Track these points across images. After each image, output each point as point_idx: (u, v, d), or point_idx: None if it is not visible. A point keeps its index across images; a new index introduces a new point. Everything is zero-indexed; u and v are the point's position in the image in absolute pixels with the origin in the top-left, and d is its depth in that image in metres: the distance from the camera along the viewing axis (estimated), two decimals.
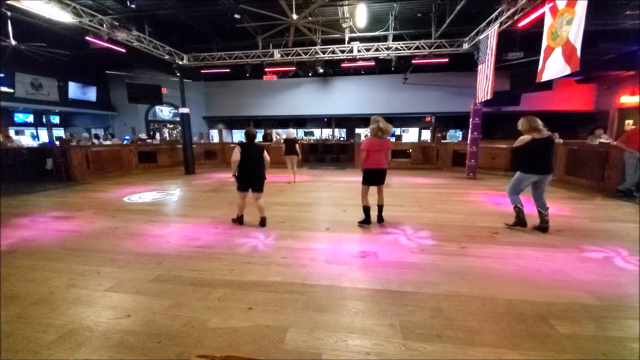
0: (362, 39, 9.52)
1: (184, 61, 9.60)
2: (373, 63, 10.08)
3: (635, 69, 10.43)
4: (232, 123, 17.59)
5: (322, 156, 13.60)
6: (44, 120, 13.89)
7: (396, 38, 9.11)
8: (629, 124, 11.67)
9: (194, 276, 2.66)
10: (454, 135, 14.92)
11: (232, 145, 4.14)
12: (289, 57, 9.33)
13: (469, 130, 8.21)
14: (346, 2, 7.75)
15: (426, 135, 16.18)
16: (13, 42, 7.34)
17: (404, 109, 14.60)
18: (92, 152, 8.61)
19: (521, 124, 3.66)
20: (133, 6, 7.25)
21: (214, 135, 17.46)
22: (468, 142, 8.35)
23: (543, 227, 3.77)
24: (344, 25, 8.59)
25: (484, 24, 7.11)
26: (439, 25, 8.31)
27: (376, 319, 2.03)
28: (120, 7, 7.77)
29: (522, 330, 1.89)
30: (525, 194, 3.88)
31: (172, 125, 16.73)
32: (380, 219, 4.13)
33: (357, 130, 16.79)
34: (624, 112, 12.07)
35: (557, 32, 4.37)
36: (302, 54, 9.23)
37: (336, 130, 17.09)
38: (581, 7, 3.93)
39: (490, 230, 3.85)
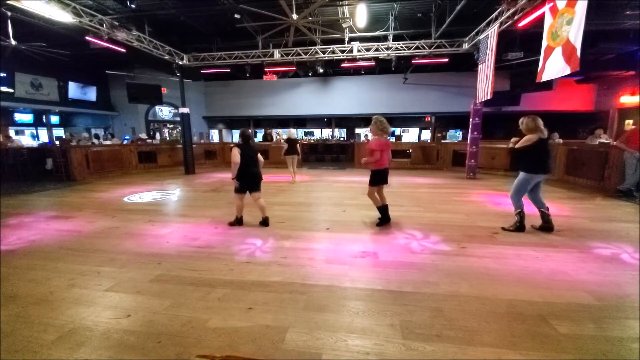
0: (362, 39, 9.52)
1: (184, 61, 9.60)
2: (373, 63, 10.08)
3: (635, 69, 10.43)
4: (232, 123, 17.59)
5: (322, 156, 13.60)
6: (44, 120, 13.88)
7: (396, 38, 9.10)
8: (629, 124, 11.67)
9: (194, 276, 2.66)
10: (454, 135, 14.91)
11: (231, 145, 4.14)
12: (289, 57, 9.33)
13: (469, 130, 8.21)
14: (346, 2, 7.74)
15: (426, 135, 16.18)
16: (13, 42, 7.33)
17: (404, 109, 14.61)
18: (92, 152, 8.61)
19: (526, 123, 3.58)
20: (133, 6, 7.25)
21: (214, 135, 17.46)
22: (468, 142, 8.35)
23: (548, 227, 3.73)
24: (344, 25, 8.59)
25: (484, 24, 7.11)
26: (439, 25, 8.31)
27: (376, 318, 2.03)
28: (120, 7, 7.77)
29: (522, 330, 1.89)
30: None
31: (172, 125, 16.73)
32: (388, 219, 4.14)
33: (357, 130, 16.79)
34: (624, 112, 12.07)
35: (557, 32, 4.37)
36: (302, 53, 9.22)
37: (336, 130, 17.09)
38: (581, 7, 3.93)
39: (490, 230, 3.85)
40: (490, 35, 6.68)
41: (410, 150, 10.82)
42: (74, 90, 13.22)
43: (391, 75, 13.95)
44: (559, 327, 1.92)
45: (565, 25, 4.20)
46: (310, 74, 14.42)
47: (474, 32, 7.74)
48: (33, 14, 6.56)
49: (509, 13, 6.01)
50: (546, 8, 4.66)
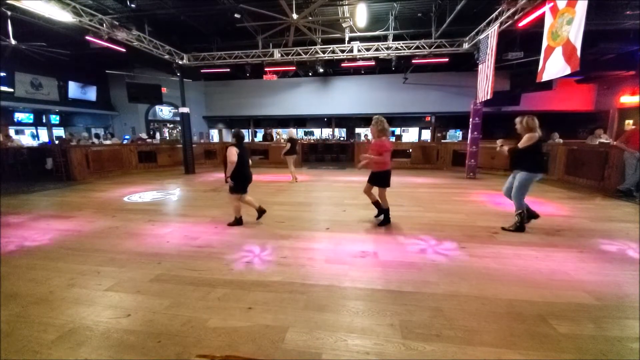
0: (362, 39, 9.51)
1: (184, 61, 9.60)
2: (373, 63, 10.07)
3: (635, 69, 10.42)
4: (232, 123, 17.58)
5: (322, 156, 13.60)
6: (43, 119, 13.88)
7: (396, 38, 9.10)
8: (629, 124, 11.67)
9: (194, 276, 2.66)
10: (454, 135, 14.88)
11: (227, 144, 4.11)
12: (289, 56, 9.33)
13: (469, 130, 8.21)
14: (346, 2, 7.74)
15: (426, 135, 16.17)
16: (13, 42, 7.33)
17: (404, 109, 14.60)
18: (92, 151, 8.61)
19: (527, 121, 3.58)
20: (133, 6, 7.25)
21: (214, 135, 17.46)
22: (468, 142, 8.36)
23: (521, 226, 3.78)
24: (344, 25, 8.58)
25: (484, 23, 7.10)
26: (439, 25, 8.31)
27: (376, 318, 2.03)
28: (120, 6, 7.76)
29: (522, 330, 1.90)
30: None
31: (172, 125, 16.73)
32: (388, 220, 4.15)
33: (357, 130, 16.78)
34: (624, 112, 12.06)
35: (558, 32, 4.37)
36: (302, 53, 9.22)
37: (336, 130, 17.08)
38: (581, 7, 3.92)
39: (490, 230, 3.85)
40: (490, 35, 6.68)
41: (410, 150, 10.83)
42: (74, 89, 13.21)
43: (391, 75, 13.94)
44: (559, 326, 1.93)
45: (565, 25, 4.20)
46: (310, 74, 14.41)
47: (474, 32, 7.74)
48: (33, 14, 6.56)
49: (509, 13, 6.01)
50: (546, 8, 4.65)
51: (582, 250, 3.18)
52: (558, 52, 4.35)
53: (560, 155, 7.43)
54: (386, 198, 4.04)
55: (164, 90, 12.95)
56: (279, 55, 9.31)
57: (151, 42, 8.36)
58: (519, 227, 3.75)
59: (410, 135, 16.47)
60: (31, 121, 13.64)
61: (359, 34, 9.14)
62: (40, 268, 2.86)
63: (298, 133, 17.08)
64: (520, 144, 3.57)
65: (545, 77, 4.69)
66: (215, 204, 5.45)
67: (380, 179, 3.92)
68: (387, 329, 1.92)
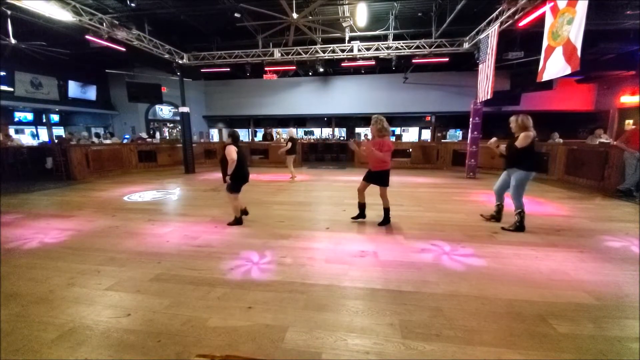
0: (363, 38, 9.50)
1: (184, 60, 9.59)
2: (373, 62, 10.06)
3: (635, 69, 10.41)
4: (232, 122, 17.59)
5: (322, 155, 13.60)
6: (43, 119, 13.87)
7: (396, 37, 9.09)
8: (629, 123, 11.66)
9: (194, 275, 2.66)
10: (454, 135, 14.88)
11: (225, 143, 4.11)
12: (289, 56, 9.32)
13: (469, 130, 8.21)
14: (346, 1, 7.73)
15: (426, 134, 16.17)
16: (13, 41, 7.32)
17: (404, 109, 14.59)
18: (92, 151, 8.61)
19: (523, 120, 3.62)
20: (133, 5, 7.24)
21: (214, 134, 17.45)
22: (468, 141, 8.35)
23: (498, 217, 4.05)
24: (344, 25, 8.58)
25: (485, 23, 7.10)
26: (440, 24, 8.30)
27: (376, 318, 2.04)
28: (120, 5, 7.75)
29: (521, 330, 1.90)
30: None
31: (172, 125, 16.72)
32: (362, 216, 4.20)
33: (357, 130, 16.77)
34: (624, 112, 12.06)
35: (558, 32, 4.36)
36: (302, 53, 9.22)
37: (336, 129, 17.07)
38: (582, 7, 3.92)
39: (490, 229, 3.85)
40: (490, 35, 6.67)
41: (410, 150, 10.83)
42: (73, 89, 13.20)
43: (391, 75, 13.94)
44: (558, 326, 1.93)
45: (565, 25, 4.19)
46: (310, 73, 14.41)
47: (474, 32, 7.73)
48: (33, 13, 6.54)
49: (509, 12, 6.01)
50: (547, 8, 4.65)
51: (582, 250, 3.18)
52: (558, 51, 4.35)
53: (560, 155, 7.43)
54: (387, 197, 4.04)
55: (164, 89, 12.96)
56: (279, 54, 9.30)
57: (151, 42, 8.35)
58: (519, 227, 3.75)
59: (410, 135, 16.46)
60: (31, 120, 13.64)
61: (359, 33, 9.13)
62: (40, 267, 2.86)
63: (298, 133, 17.08)
64: (518, 144, 3.59)
65: (546, 76, 4.69)
66: (215, 203, 5.45)
67: (381, 178, 3.91)
68: (386, 328, 1.92)
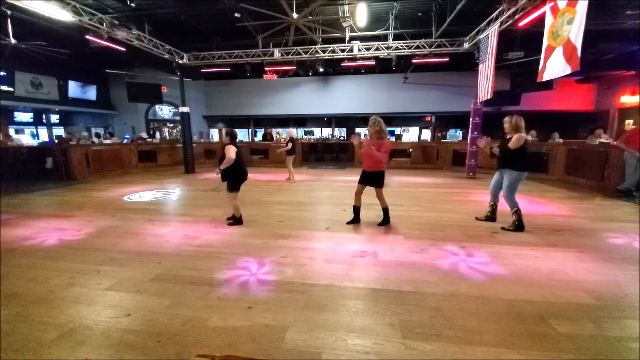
0: (363, 38, 9.50)
1: (184, 60, 9.59)
2: (373, 62, 10.06)
3: (635, 69, 10.41)
4: (232, 122, 17.59)
5: (322, 155, 13.60)
6: (43, 119, 13.87)
7: (396, 37, 9.09)
8: (629, 123, 11.66)
9: (194, 275, 2.66)
10: (454, 135, 14.88)
11: (225, 142, 4.13)
12: (289, 56, 9.32)
13: (469, 130, 8.21)
14: (346, 1, 7.73)
15: (426, 134, 16.17)
16: (13, 41, 7.32)
17: (404, 109, 14.59)
18: (92, 151, 8.61)
19: (516, 121, 3.67)
20: (133, 5, 7.24)
21: (214, 134, 17.45)
22: (468, 141, 8.35)
23: (493, 217, 4.11)
24: (344, 25, 8.58)
25: (485, 23, 7.10)
26: (440, 24, 8.30)
27: (376, 318, 2.04)
28: (120, 5, 7.75)
29: (521, 330, 1.90)
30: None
31: (172, 124, 16.72)
32: (358, 220, 4.17)
33: (357, 130, 16.76)
34: (624, 112, 12.06)
35: (558, 32, 4.36)
36: (302, 53, 9.21)
37: (336, 129, 17.07)
38: (582, 7, 3.92)
39: (490, 229, 3.85)
40: (490, 35, 6.67)
41: (410, 150, 10.82)
42: (73, 89, 13.20)
43: (391, 75, 13.93)
44: (558, 326, 1.93)
45: (566, 25, 4.19)
46: (310, 73, 14.41)
47: (474, 32, 7.73)
48: (33, 13, 6.54)
49: (509, 12, 6.01)
50: (547, 7, 4.65)
51: (582, 250, 3.18)
52: (558, 51, 4.34)
53: (560, 155, 7.43)
54: (384, 197, 4.03)
55: (163, 89, 12.95)
56: (279, 54, 9.30)
57: (151, 42, 8.35)
58: (518, 226, 3.77)
59: (410, 135, 16.45)
60: (31, 120, 13.64)
61: (359, 33, 9.13)
62: (40, 267, 2.86)
63: (298, 133, 17.08)
64: (511, 145, 3.63)
65: (546, 76, 4.69)
66: (215, 203, 5.45)
67: (376, 179, 3.90)
68: (386, 328, 1.92)
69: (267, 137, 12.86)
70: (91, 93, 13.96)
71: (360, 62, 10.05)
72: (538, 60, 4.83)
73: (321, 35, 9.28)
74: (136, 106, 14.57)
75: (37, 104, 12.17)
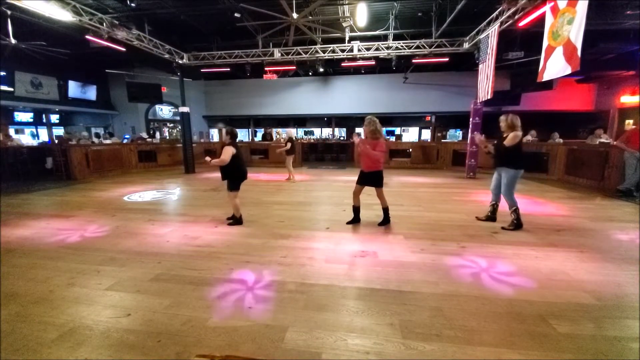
0: (363, 38, 9.50)
1: (184, 60, 9.59)
2: (373, 62, 10.06)
3: (635, 69, 10.41)
4: (232, 122, 17.58)
5: (322, 155, 13.60)
6: (43, 119, 13.87)
7: (396, 37, 9.09)
8: (629, 123, 11.66)
9: (194, 275, 2.66)
10: (454, 135, 14.89)
11: (225, 142, 4.13)
12: (289, 56, 9.32)
13: (469, 130, 8.21)
14: (346, 1, 7.73)
15: (426, 134, 16.17)
16: (13, 41, 7.32)
17: (404, 109, 14.59)
18: (92, 151, 8.61)
19: (512, 120, 3.70)
20: (133, 5, 7.24)
21: (214, 134, 17.45)
22: (468, 141, 8.35)
23: (493, 217, 4.11)
24: (344, 25, 8.58)
25: (485, 23, 7.10)
26: (440, 24, 8.30)
27: (376, 318, 2.03)
28: (120, 5, 7.75)
29: (521, 330, 1.90)
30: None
31: (172, 124, 16.72)
32: (359, 220, 4.17)
33: (357, 130, 16.74)
34: (624, 112, 12.06)
35: (558, 32, 4.36)
36: (302, 53, 9.21)
37: (336, 129, 17.07)
38: (582, 7, 3.92)
39: (490, 229, 3.85)
40: (490, 35, 6.67)
41: (410, 150, 10.82)
42: (73, 89, 13.20)
43: (391, 75, 13.93)
44: (558, 326, 1.93)
45: (566, 25, 4.19)
46: (310, 73, 14.42)
47: (474, 32, 7.73)
48: (33, 13, 6.54)
49: (509, 12, 6.01)
50: (547, 7, 4.65)
51: (582, 250, 3.18)
52: (559, 51, 4.34)
53: (560, 155, 7.43)
54: (384, 197, 4.03)
55: (164, 89, 12.96)
56: (279, 54, 9.30)
57: (151, 42, 8.35)
58: (517, 224, 3.79)
59: (410, 135, 16.45)
60: (31, 120, 13.64)
61: (359, 33, 9.13)
62: (40, 267, 2.86)
63: (298, 133, 17.12)
64: (507, 143, 3.65)
65: (546, 76, 4.69)
66: (215, 203, 5.45)
67: (374, 179, 3.90)
68: (386, 328, 1.92)
69: (267, 137, 12.86)
70: (91, 93, 13.96)
71: (360, 62, 10.05)
72: (538, 60, 4.83)
73: (321, 35, 9.28)
74: (136, 106, 14.57)
75: (37, 104, 12.17)
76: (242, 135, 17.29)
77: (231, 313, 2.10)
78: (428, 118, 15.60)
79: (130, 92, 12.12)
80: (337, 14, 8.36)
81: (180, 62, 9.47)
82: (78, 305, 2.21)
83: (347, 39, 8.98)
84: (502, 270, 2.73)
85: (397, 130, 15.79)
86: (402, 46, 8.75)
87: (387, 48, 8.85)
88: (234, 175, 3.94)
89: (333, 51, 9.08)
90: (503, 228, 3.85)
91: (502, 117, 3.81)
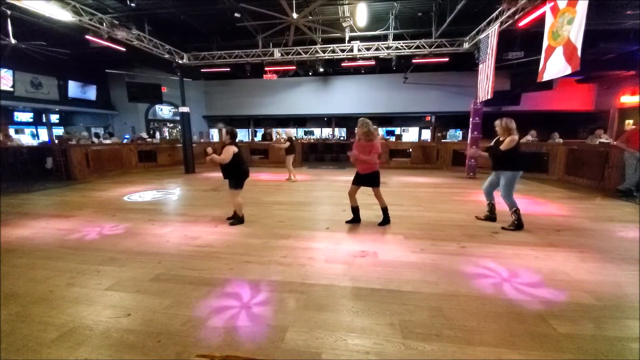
0: (363, 38, 9.50)
1: (184, 60, 9.59)
2: (373, 62, 10.06)
3: (635, 69, 10.41)
4: (232, 122, 17.57)
5: (322, 155, 13.60)
6: (43, 119, 13.87)
7: (396, 37, 9.09)
8: (629, 123, 11.66)
9: (194, 275, 2.66)
10: (454, 135, 14.90)
11: (226, 142, 4.16)
12: (289, 56, 9.32)
13: (469, 130, 8.21)
14: (346, 1, 7.73)
15: (426, 134, 16.17)
16: (13, 41, 7.32)
17: (404, 109, 14.59)
18: (92, 151, 8.61)
19: (507, 123, 3.75)
20: (133, 5, 7.23)
21: (214, 134, 17.45)
22: (468, 141, 8.35)
23: (493, 217, 4.14)
24: (344, 25, 8.58)
25: (485, 23, 7.10)
26: (440, 24, 8.30)
27: (376, 318, 2.03)
28: (120, 5, 7.75)
29: (521, 330, 1.90)
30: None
31: (172, 124, 16.72)
32: (359, 220, 4.17)
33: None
34: (624, 112, 12.06)
35: (558, 32, 4.36)
36: (302, 53, 9.21)
37: (336, 129, 17.08)
38: (582, 7, 3.92)
39: (490, 229, 3.85)
40: (490, 35, 6.67)
41: (410, 150, 10.82)
42: (73, 89, 13.20)
43: (391, 75, 13.93)
44: (559, 326, 1.93)
45: (566, 25, 4.19)
46: (310, 73, 14.42)
47: (474, 32, 7.73)
48: (33, 13, 6.54)
49: (509, 12, 6.01)
50: (547, 7, 4.65)
51: (582, 250, 3.18)
52: (559, 51, 4.34)
53: (560, 155, 7.43)
54: (382, 196, 4.03)
55: (164, 89, 12.95)
56: (279, 54, 9.30)
57: (151, 42, 8.35)
58: (518, 225, 3.80)
59: (410, 135, 16.46)
60: (31, 120, 13.64)
61: (359, 33, 9.13)
62: (40, 267, 2.86)
63: (298, 133, 17.13)
64: (503, 147, 3.70)
65: (546, 76, 4.69)
66: (215, 203, 5.45)
67: (371, 180, 3.90)
68: (386, 328, 1.92)
69: (266, 137, 12.86)
70: (91, 93, 13.97)
71: (360, 62, 10.05)
72: (538, 60, 4.83)
73: (321, 35, 9.28)
74: (136, 106, 14.57)
75: (37, 104, 12.17)
76: (242, 135, 17.29)
77: (231, 313, 2.10)
78: (428, 118, 15.61)
79: (130, 92, 12.12)
80: (337, 14, 8.36)
81: (180, 62, 9.47)
82: (78, 305, 2.21)
83: (347, 39, 8.98)
84: (526, 280, 2.68)
85: (397, 130, 15.80)
86: (402, 46, 8.75)
87: (387, 48, 8.85)
88: (236, 174, 3.97)
89: (333, 51, 9.08)
90: (503, 228, 3.85)
91: (497, 122, 3.86)
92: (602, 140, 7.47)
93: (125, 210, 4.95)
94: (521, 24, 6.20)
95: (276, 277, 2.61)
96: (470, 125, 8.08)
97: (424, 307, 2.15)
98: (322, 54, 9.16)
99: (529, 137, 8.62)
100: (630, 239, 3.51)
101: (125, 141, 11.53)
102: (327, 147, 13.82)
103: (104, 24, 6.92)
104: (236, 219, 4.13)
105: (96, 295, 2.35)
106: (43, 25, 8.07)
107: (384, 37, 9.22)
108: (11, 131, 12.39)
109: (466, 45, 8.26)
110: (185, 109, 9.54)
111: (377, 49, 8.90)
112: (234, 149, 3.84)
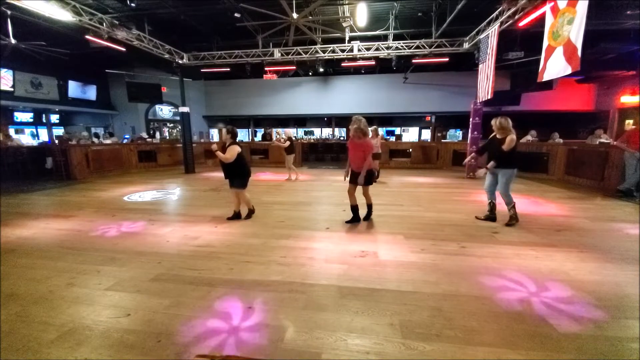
0: (363, 38, 9.50)
1: (184, 60, 9.59)
2: (373, 62, 10.05)
3: (635, 69, 10.42)
4: (232, 122, 17.55)
5: (322, 155, 13.60)
6: (43, 119, 13.86)
7: (396, 37, 9.09)
8: (629, 124, 11.65)
9: (194, 275, 2.66)
10: (454, 135, 14.90)
11: (230, 142, 4.21)
12: (289, 56, 9.32)
13: (469, 130, 8.21)
14: (346, 1, 7.72)
15: (426, 134, 16.17)
16: (13, 41, 7.32)
17: (404, 109, 14.59)
18: (92, 151, 8.61)
19: (502, 122, 3.86)
20: (133, 5, 7.22)
21: (214, 134, 17.45)
22: (468, 141, 8.35)
23: (493, 217, 4.16)
24: (344, 25, 8.57)
25: (485, 23, 7.09)
26: (440, 24, 8.30)
27: (376, 318, 2.03)
28: (120, 5, 7.74)
29: (522, 330, 1.90)
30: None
31: (172, 124, 16.72)
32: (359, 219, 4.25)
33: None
34: (624, 112, 12.05)
35: (558, 32, 4.36)
36: (302, 53, 9.21)
37: (336, 129, 17.07)
38: (582, 7, 3.92)
39: (490, 229, 3.85)
40: (490, 35, 6.67)
41: (410, 150, 10.82)
42: (73, 89, 13.20)
43: (391, 75, 13.93)
44: (559, 327, 1.93)
45: (566, 25, 4.19)
46: (310, 73, 14.41)
47: (474, 32, 7.73)
48: (33, 13, 6.53)
49: (509, 12, 6.00)
50: (547, 7, 4.65)
51: (582, 250, 3.18)
52: (559, 51, 4.34)
53: (561, 155, 7.42)
54: (370, 194, 4.17)
55: (163, 89, 12.95)
56: (279, 54, 9.30)
57: (151, 42, 8.35)
58: (515, 217, 3.97)
59: (410, 135, 16.46)
60: (31, 120, 13.64)
61: (359, 33, 9.13)
62: (40, 267, 2.86)
63: (298, 132, 17.13)
64: (505, 147, 3.78)
65: (546, 76, 4.69)
66: (215, 203, 5.45)
67: (367, 178, 3.94)
68: (386, 328, 1.92)
69: (266, 137, 12.86)
70: (91, 93, 13.96)
71: (360, 62, 10.04)
72: (538, 60, 4.83)
73: (321, 35, 9.27)
74: (136, 106, 14.56)
75: (37, 104, 12.16)
76: (242, 135, 17.29)
77: (231, 313, 2.10)
78: (428, 118, 15.60)
79: (130, 92, 12.12)
80: (337, 14, 8.35)
81: (180, 62, 9.47)
82: (78, 306, 2.21)
83: (347, 39, 8.97)
84: (525, 280, 2.66)
85: (397, 130, 15.81)
86: (402, 46, 8.74)
87: (387, 48, 8.85)
88: (241, 173, 4.06)
89: (333, 51, 9.07)
90: (507, 225, 3.94)
91: (493, 122, 3.99)
92: (602, 140, 7.47)
93: (125, 210, 4.95)
94: (521, 24, 6.20)
95: (276, 277, 2.61)
96: (470, 125, 8.09)
97: (424, 307, 2.15)
98: (322, 54, 9.16)
99: (529, 137, 8.62)
100: (631, 239, 3.51)
101: (125, 141, 11.53)
102: (327, 147, 13.82)
103: (104, 24, 6.92)
104: (249, 212, 4.35)
105: (96, 295, 2.35)
106: (43, 25, 8.06)
107: (384, 37, 9.22)
108: (11, 131, 12.38)
109: (466, 45, 8.26)
110: (185, 109, 9.54)
111: (377, 49, 8.90)
112: (238, 148, 3.88)
